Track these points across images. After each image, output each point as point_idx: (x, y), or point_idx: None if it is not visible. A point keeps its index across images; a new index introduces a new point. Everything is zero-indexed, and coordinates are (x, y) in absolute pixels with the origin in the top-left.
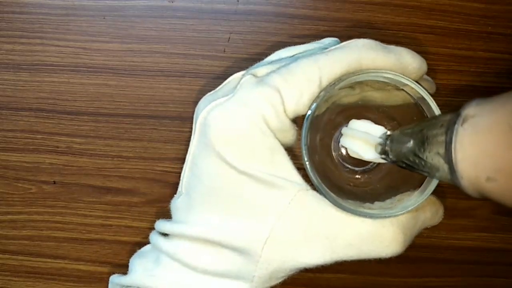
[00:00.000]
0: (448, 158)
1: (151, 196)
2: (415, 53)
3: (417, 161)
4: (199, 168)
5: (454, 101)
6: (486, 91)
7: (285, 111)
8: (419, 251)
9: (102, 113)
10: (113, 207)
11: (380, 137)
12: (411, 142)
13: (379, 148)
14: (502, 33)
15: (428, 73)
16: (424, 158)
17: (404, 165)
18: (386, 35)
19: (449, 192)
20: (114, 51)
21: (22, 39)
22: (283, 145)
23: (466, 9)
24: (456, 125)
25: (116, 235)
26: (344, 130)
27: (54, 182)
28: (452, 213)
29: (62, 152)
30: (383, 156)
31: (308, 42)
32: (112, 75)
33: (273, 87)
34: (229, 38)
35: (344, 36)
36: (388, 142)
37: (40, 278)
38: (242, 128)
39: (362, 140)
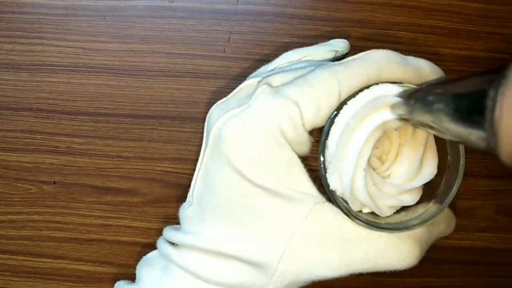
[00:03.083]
0: (490, 123)
1: (151, 196)
2: (432, 64)
3: (448, 126)
4: (213, 180)
5: None
6: None
7: (303, 124)
8: None
9: (102, 113)
10: (113, 207)
11: (399, 95)
12: (443, 104)
13: (398, 109)
14: (502, 33)
15: None
16: (458, 123)
17: (429, 129)
18: (386, 35)
19: None
20: (114, 51)
21: (22, 39)
22: (298, 156)
23: (466, 9)
24: (500, 87)
25: (116, 235)
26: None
27: (54, 182)
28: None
29: (62, 152)
30: (403, 115)
31: (308, 41)
32: (112, 75)
33: (291, 99)
34: (229, 38)
35: (344, 36)
36: (410, 101)
37: (40, 278)
38: (259, 142)
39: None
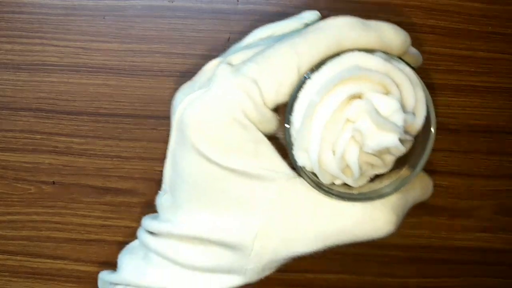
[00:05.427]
0: None
1: (151, 197)
2: (397, 27)
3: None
4: (181, 167)
5: (454, 101)
6: (486, 91)
7: (264, 102)
8: (419, 251)
9: (102, 113)
10: (112, 207)
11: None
12: None
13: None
14: (502, 33)
15: (428, 73)
16: None
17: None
18: None
19: (450, 192)
20: (114, 51)
21: (22, 39)
22: (265, 134)
23: (467, 9)
24: None
25: (116, 235)
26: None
27: (54, 183)
28: (452, 213)
29: (61, 152)
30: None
31: None
32: (111, 75)
33: (249, 77)
34: (229, 38)
35: None
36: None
37: (40, 278)
38: (221, 124)
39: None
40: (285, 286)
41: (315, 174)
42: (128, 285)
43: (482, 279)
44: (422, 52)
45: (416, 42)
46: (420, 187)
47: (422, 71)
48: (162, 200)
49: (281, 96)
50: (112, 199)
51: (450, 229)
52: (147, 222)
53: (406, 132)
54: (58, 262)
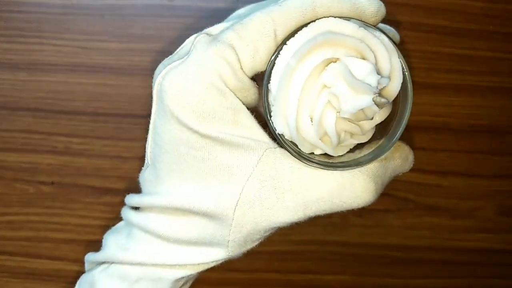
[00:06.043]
0: None
1: None
2: None
3: None
4: (161, 137)
5: (455, 100)
6: (487, 90)
7: (242, 68)
8: (420, 252)
9: (101, 113)
10: (111, 208)
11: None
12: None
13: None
14: (503, 32)
15: (429, 72)
16: None
17: None
18: None
19: (450, 192)
20: (113, 50)
21: (20, 38)
22: (246, 106)
23: (468, 8)
24: None
25: None
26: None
27: (52, 183)
28: (454, 214)
29: (60, 153)
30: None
31: None
32: (110, 75)
33: (227, 43)
34: None
35: None
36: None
37: (38, 279)
38: (199, 90)
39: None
40: (286, 287)
41: (294, 144)
42: (112, 261)
43: (484, 280)
44: (423, 51)
45: (417, 41)
46: (399, 158)
47: (423, 71)
48: (144, 174)
49: (258, 62)
50: (111, 200)
51: (451, 230)
52: (130, 198)
53: (382, 95)
54: (57, 262)
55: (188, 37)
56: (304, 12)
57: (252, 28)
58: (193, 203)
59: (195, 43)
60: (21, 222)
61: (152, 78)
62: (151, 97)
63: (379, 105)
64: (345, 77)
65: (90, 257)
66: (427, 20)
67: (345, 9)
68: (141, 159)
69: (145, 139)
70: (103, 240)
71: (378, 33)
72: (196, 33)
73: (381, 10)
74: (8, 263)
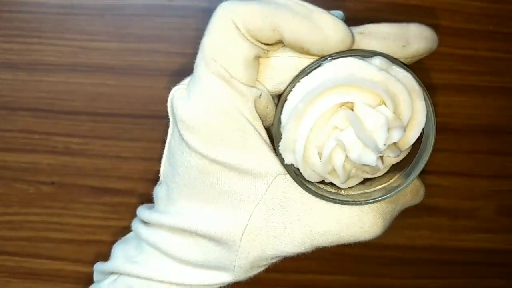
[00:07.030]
0: None
1: (150, 197)
2: (339, 22)
3: None
4: (174, 159)
5: (455, 100)
6: (487, 90)
7: (233, 77)
8: (420, 252)
9: (101, 113)
10: (111, 208)
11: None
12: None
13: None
14: (504, 32)
15: (429, 72)
16: None
17: None
18: None
19: (451, 192)
20: (113, 50)
21: (20, 38)
22: (265, 121)
23: (468, 8)
24: None
25: (115, 236)
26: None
27: (52, 183)
28: (454, 214)
29: (60, 153)
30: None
31: None
32: (110, 75)
33: (210, 58)
34: None
35: None
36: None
37: (38, 279)
38: (204, 113)
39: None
40: (286, 287)
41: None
42: (120, 273)
43: (484, 280)
44: None
45: None
46: (411, 194)
47: (423, 71)
48: (157, 190)
49: (227, 58)
50: (111, 200)
51: (451, 230)
52: (142, 211)
53: (393, 149)
54: (57, 262)
55: (188, 37)
56: (264, 18)
57: (213, 28)
58: (200, 226)
59: (197, 61)
60: (21, 222)
61: (152, 78)
62: (152, 98)
63: (383, 163)
64: (354, 127)
65: (98, 266)
66: (427, 20)
67: (304, 31)
68: (141, 159)
69: (145, 139)
70: (112, 250)
71: (402, 72)
72: (196, 33)
73: (346, 41)
74: (8, 263)
